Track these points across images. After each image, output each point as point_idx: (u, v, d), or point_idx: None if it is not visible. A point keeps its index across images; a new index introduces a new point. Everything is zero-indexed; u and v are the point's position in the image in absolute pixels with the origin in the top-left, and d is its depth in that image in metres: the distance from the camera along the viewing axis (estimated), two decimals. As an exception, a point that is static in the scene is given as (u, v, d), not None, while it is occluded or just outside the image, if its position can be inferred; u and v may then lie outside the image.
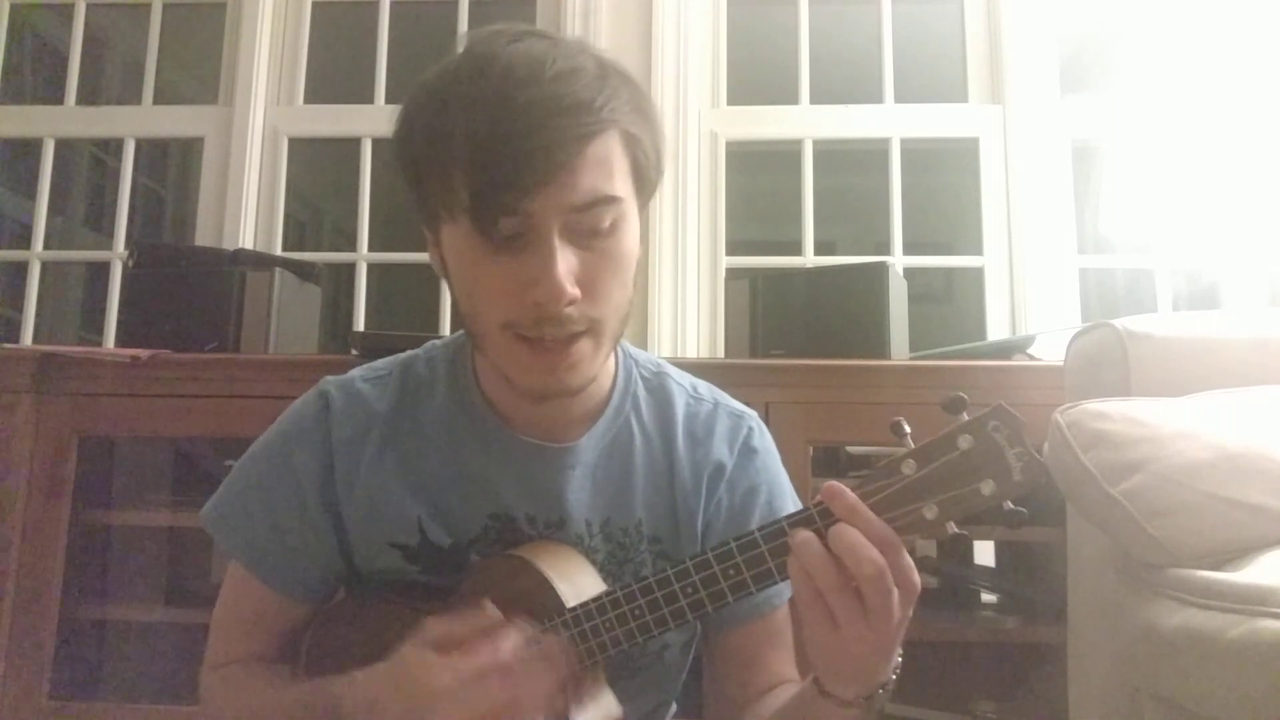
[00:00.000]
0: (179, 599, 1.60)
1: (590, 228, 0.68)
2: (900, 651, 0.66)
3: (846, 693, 0.65)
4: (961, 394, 0.62)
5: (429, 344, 0.90)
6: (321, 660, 0.82)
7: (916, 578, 0.61)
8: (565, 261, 0.67)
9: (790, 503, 0.89)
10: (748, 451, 0.87)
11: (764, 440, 0.90)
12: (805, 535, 0.61)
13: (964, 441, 0.61)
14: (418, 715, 0.65)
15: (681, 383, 0.90)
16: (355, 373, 0.86)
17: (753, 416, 0.90)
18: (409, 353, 0.89)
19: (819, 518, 0.63)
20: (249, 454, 0.86)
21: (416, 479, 0.81)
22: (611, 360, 0.85)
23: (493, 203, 0.66)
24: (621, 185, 0.70)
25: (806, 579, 0.60)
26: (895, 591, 0.59)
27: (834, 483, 0.63)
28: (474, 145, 0.65)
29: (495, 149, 0.65)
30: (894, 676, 0.66)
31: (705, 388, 0.91)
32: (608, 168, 0.69)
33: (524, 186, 0.65)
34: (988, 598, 1.62)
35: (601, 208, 0.68)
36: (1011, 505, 0.61)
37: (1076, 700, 1.21)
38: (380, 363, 0.88)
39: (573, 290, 0.67)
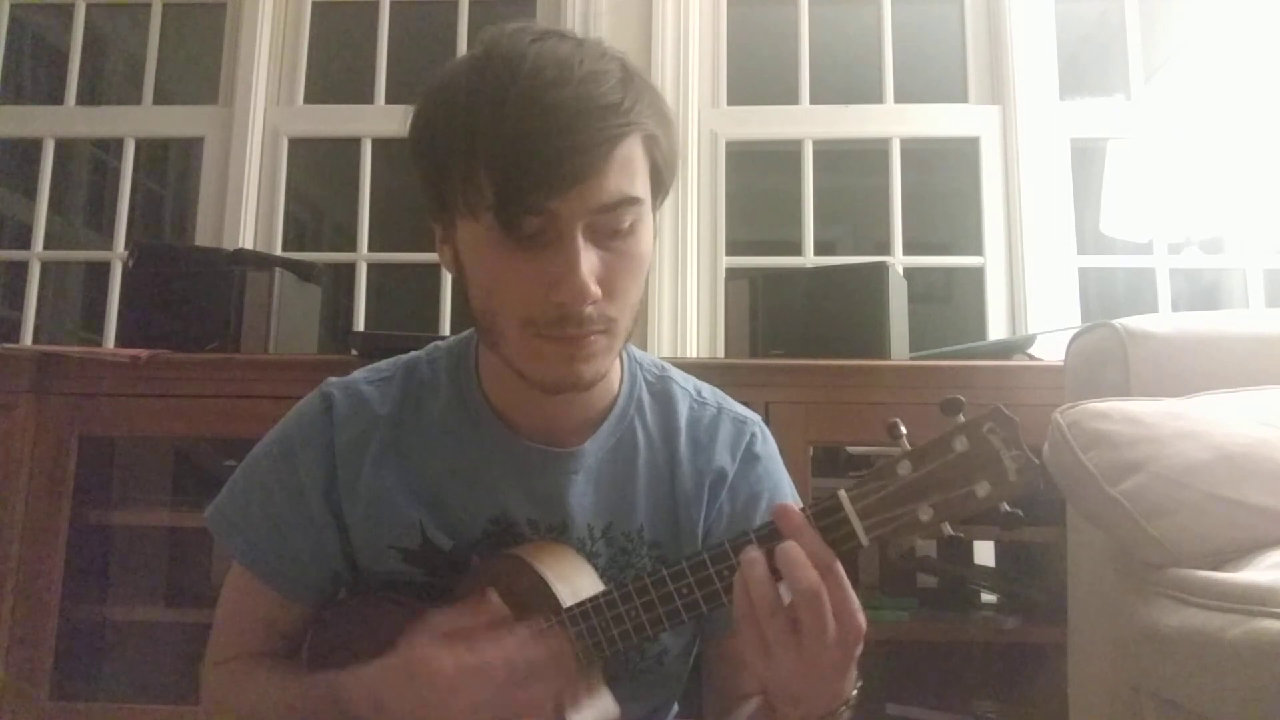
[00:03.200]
0: (179, 599, 1.60)
1: (612, 228, 0.69)
2: (858, 683, 0.67)
3: (791, 714, 0.66)
4: (958, 396, 0.62)
5: (431, 345, 0.89)
6: (322, 661, 0.82)
7: (860, 617, 0.61)
8: (588, 262, 0.67)
9: None
10: (750, 458, 0.87)
11: (767, 446, 0.89)
12: (753, 555, 0.62)
13: (959, 443, 0.61)
14: (425, 707, 0.65)
15: (685, 386, 0.89)
16: (358, 374, 0.86)
17: (756, 422, 0.90)
18: (412, 354, 0.88)
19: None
20: (252, 455, 0.85)
21: (418, 482, 0.81)
22: (617, 363, 0.85)
23: (519, 202, 0.66)
24: (642, 187, 0.71)
25: (747, 599, 0.61)
26: (831, 621, 0.59)
27: (785, 503, 0.64)
28: (502, 144, 0.65)
29: (524, 148, 0.65)
30: (846, 705, 0.67)
31: (709, 391, 0.90)
32: (631, 169, 0.69)
33: (552, 187, 0.65)
34: (988, 598, 1.62)
35: (624, 209, 0.69)
36: (1008, 507, 0.61)
37: (1076, 700, 1.21)
38: (383, 364, 0.87)
39: (595, 290, 0.67)
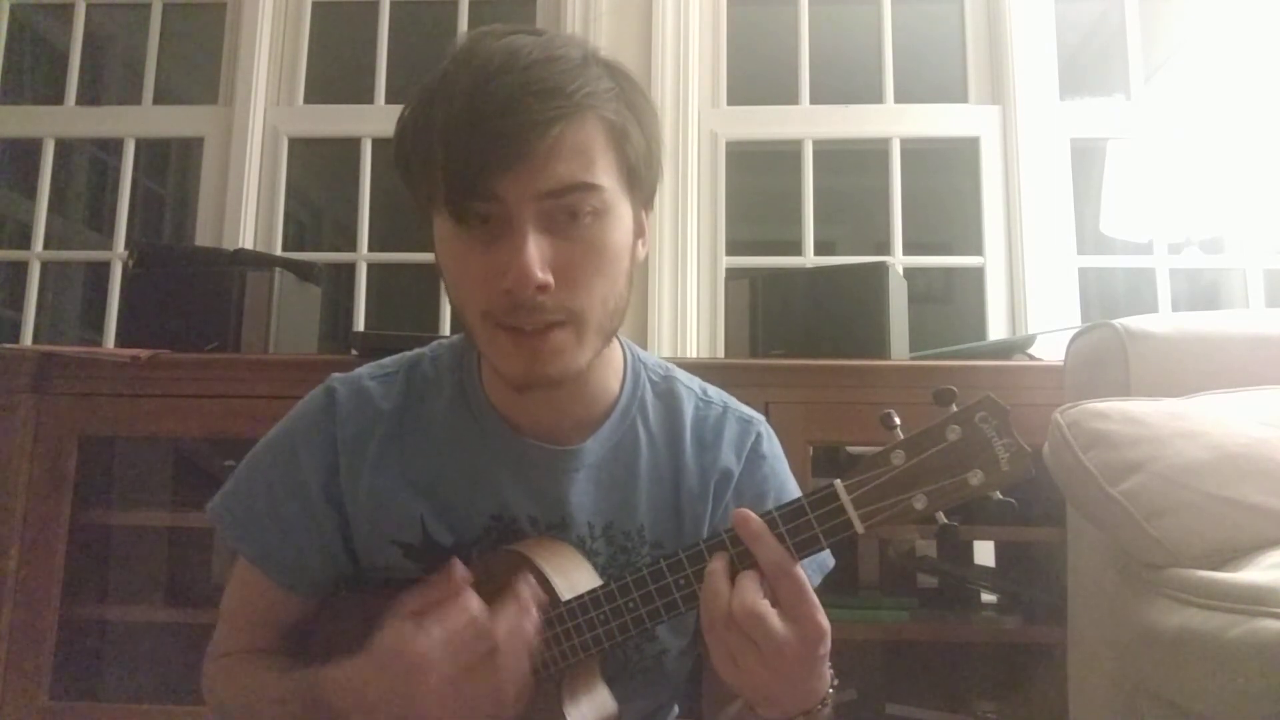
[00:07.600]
0: (179, 599, 1.60)
1: (567, 216, 0.68)
2: (834, 681, 0.68)
3: (771, 714, 0.66)
4: (951, 386, 0.63)
5: (435, 343, 0.90)
6: (325, 658, 0.82)
7: (820, 617, 0.62)
8: (537, 248, 0.67)
9: None
10: (756, 458, 0.87)
11: (772, 446, 0.90)
12: (714, 568, 0.63)
13: (952, 433, 0.62)
14: (405, 691, 0.65)
15: (690, 386, 0.89)
16: (362, 370, 0.87)
17: (761, 421, 0.90)
18: (416, 351, 0.89)
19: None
20: (255, 450, 0.86)
21: (420, 477, 0.81)
22: (619, 363, 0.85)
23: (465, 187, 0.66)
24: (604, 175, 0.70)
25: (708, 611, 0.62)
26: (780, 629, 0.60)
27: (743, 509, 0.64)
28: (449, 131, 0.66)
29: (467, 133, 0.66)
30: (823, 705, 0.67)
31: (714, 391, 0.90)
32: (586, 156, 0.69)
33: (494, 169, 0.65)
34: (988, 598, 1.62)
35: (578, 195, 0.68)
36: (1000, 496, 0.62)
37: (1076, 700, 1.21)
38: (387, 361, 0.88)
39: (543, 276, 0.66)
